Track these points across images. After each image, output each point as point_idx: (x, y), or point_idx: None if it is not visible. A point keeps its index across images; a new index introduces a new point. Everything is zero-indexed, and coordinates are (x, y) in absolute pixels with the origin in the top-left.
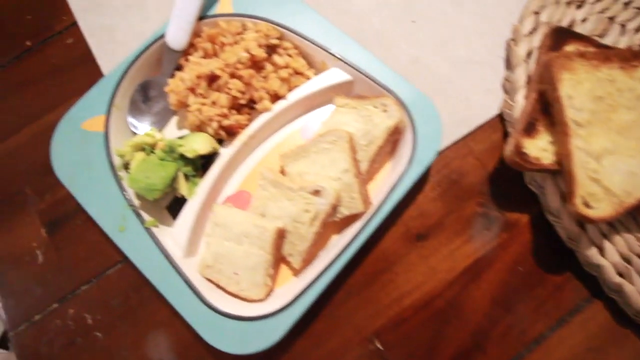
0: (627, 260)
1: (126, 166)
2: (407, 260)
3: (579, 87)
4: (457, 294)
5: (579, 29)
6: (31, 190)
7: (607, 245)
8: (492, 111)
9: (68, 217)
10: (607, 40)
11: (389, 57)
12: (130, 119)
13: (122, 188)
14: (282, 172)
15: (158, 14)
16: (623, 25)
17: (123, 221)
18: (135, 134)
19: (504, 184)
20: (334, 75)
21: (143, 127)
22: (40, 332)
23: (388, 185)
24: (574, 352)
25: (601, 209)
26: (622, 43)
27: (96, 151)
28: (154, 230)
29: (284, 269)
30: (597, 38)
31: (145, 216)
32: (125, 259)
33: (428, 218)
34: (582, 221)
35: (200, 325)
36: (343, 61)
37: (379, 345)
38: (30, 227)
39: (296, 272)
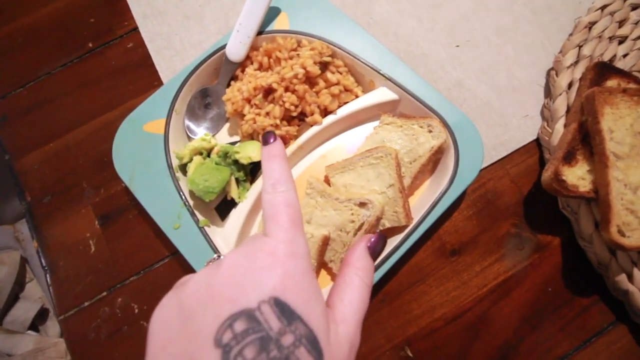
0: None
1: (181, 168)
2: (440, 274)
3: (620, 122)
4: (487, 309)
5: (620, 63)
6: (88, 184)
7: (636, 272)
8: (529, 136)
9: (120, 212)
10: None
11: (434, 79)
12: (188, 123)
13: (179, 188)
14: (327, 182)
15: (214, 25)
16: None
17: (178, 219)
18: (190, 137)
19: (537, 206)
20: (382, 94)
21: (198, 132)
22: (89, 318)
23: (429, 202)
24: None
25: (635, 238)
26: None
27: (156, 152)
28: (207, 229)
29: (323, 274)
30: (637, 74)
31: (199, 216)
32: (172, 255)
33: (463, 235)
34: (615, 248)
35: None
36: (392, 81)
37: (409, 353)
38: (85, 219)
39: (335, 278)
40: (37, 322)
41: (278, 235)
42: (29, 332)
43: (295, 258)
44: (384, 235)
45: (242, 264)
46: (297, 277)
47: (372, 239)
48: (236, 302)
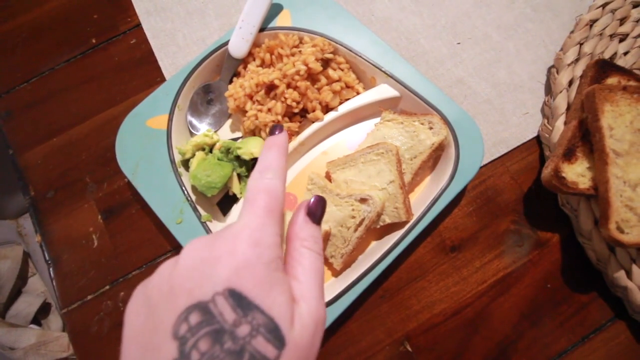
0: None
1: (184, 163)
2: (440, 270)
3: (620, 119)
4: (486, 305)
5: (621, 61)
6: (91, 179)
7: (635, 269)
8: (529, 134)
9: (123, 206)
10: None
11: (435, 76)
12: (190, 119)
13: (181, 183)
14: (328, 177)
15: (217, 21)
16: None
17: (181, 214)
18: (192, 133)
19: (537, 203)
20: (383, 91)
21: (201, 128)
22: (92, 311)
23: (429, 198)
24: None
25: (634, 234)
26: None
27: (158, 147)
28: (209, 224)
29: (324, 270)
30: (638, 71)
31: (201, 211)
32: (174, 249)
33: (463, 231)
34: (614, 245)
35: None
36: (393, 78)
37: (408, 348)
38: (88, 213)
39: (336, 273)
40: (40, 317)
41: (247, 221)
42: (32, 326)
43: (258, 246)
44: (322, 197)
45: (200, 254)
46: (257, 266)
47: (310, 202)
48: (192, 294)
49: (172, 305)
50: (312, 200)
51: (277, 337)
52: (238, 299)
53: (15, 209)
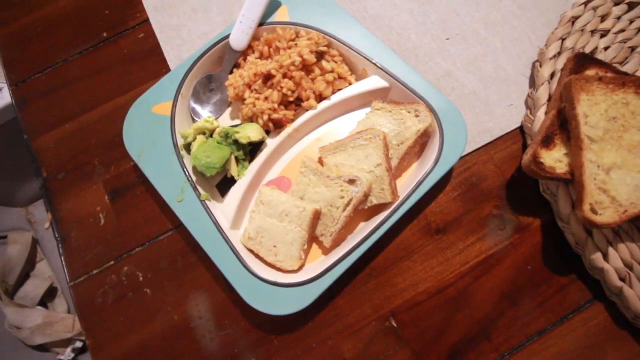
0: (628, 266)
1: (186, 147)
2: (425, 251)
3: (595, 108)
4: (468, 285)
5: (601, 55)
6: (99, 162)
7: (611, 251)
8: (513, 124)
9: (129, 188)
10: (627, 68)
11: (424, 70)
12: (193, 106)
13: (183, 165)
14: (321, 162)
15: (220, 17)
16: None
17: (182, 193)
18: (194, 120)
19: (519, 190)
20: (374, 82)
21: (202, 115)
22: (97, 284)
23: (415, 181)
24: (573, 348)
25: (606, 215)
26: None
27: (162, 132)
28: (208, 203)
29: (314, 248)
30: (617, 65)
31: (200, 190)
32: (176, 228)
33: (447, 215)
34: (588, 226)
35: (240, 287)
36: (383, 70)
37: (393, 323)
38: (96, 194)
39: (326, 251)
40: (46, 300)
41: None
42: (38, 307)
43: None
44: None
45: None
46: None
47: None
48: None
49: None
50: None
51: None
52: None
53: (26, 197)
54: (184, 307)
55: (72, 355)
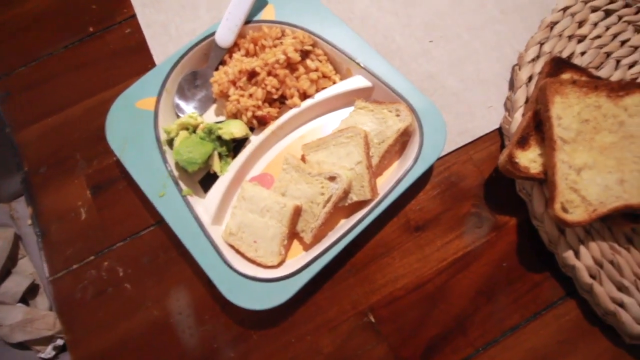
0: (599, 265)
1: (169, 143)
2: (404, 248)
3: (569, 110)
4: (445, 281)
5: (577, 60)
6: (81, 157)
7: (582, 249)
8: (492, 125)
9: (111, 183)
10: (602, 73)
11: (408, 71)
12: (177, 102)
13: (165, 160)
14: (303, 160)
15: (207, 14)
16: (618, 61)
17: (163, 188)
18: (179, 116)
19: (497, 189)
20: (357, 81)
21: (187, 111)
22: (77, 279)
23: (394, 178)
24: (545, 343)
25: (576, 214)
26: (616, 76)
27: (146, 127)
28: (189, 198)
29: (295, 244)
30: (593, 70)
31: (182, 186)
32: (157, 223)
33: (427, 213)
34: (560, 224)
35: (220, 282)
36: (366, 70)
37: (372, 319)
38: (77, 188)
39: (306, 247)
40: (28, 297)
41: None
42: (19, 304)
43: None
44: None
45: None
46: None
47: None
48: None
49: None
50: None
51: None
52: None
53: (8, 193)
54: (164, 303)
55: (54, 353)
